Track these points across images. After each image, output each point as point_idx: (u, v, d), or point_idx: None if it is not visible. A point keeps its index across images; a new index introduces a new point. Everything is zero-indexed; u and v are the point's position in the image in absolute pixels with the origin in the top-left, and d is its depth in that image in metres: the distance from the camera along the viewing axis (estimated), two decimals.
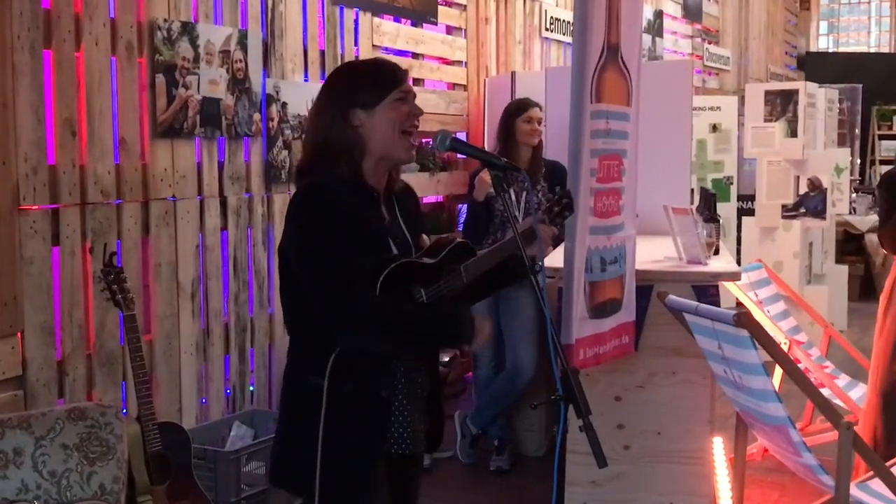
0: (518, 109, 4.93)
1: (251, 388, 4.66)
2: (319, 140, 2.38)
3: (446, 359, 5.57)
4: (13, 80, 3.43)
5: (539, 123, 4.91)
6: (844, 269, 8.81)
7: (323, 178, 2.35)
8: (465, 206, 5.17)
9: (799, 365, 4.27)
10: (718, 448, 3.79)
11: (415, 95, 2.48)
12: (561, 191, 2.62)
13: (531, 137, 4.87)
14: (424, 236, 2.56)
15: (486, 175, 4.72)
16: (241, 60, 4.46)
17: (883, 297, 4.27)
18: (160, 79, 4.05)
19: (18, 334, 3.48)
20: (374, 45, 5.62)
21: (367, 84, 2.39)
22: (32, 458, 2.67)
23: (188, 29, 4.17)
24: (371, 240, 2.36)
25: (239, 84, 4.46)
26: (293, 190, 2.51)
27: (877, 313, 4.25)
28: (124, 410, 3.85)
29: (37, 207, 3.55)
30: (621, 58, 3.24)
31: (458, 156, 6.42)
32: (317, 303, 2.30)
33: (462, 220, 5.74)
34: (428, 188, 6.08)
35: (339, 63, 5.16)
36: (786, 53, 17.12)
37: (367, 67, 2.51)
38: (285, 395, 2.50)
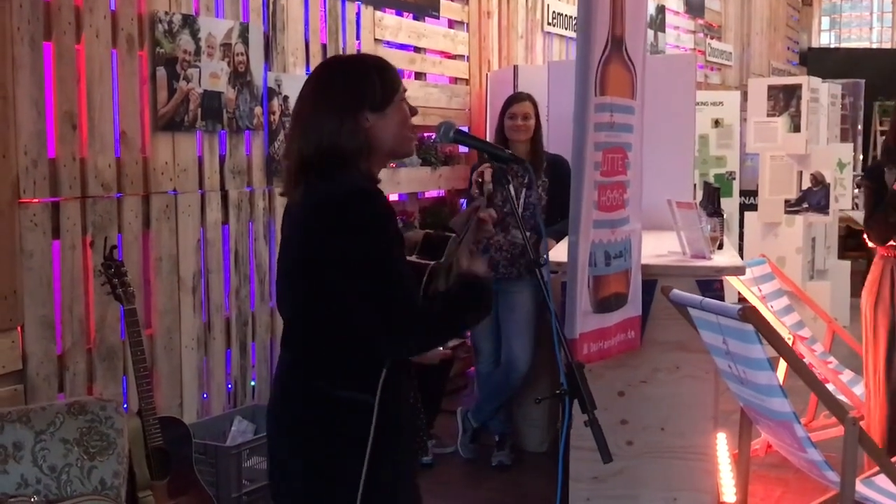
0: (504, 106, 4.90)
1: (252, 384, 4.64)
2: (326, 144, 2.23)
3: (451, 344, 5.55)
4: (13, 73, 3.41)
5: (525, 118, 4.82)
6: (847, 264, 8.78)
7: (358, 181, 2.22)
8: (466, 200, 5.15)
9: (803, 360, 4.26)
10: (722, 444, 3.78)
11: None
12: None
13: (516, 133, 4.83)
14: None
15: (484, 172, 4.70)
16: (242, 54, 4.44)
17: (868, 294, 4.24)
18: (161, 72, 4.02)
19: (18, 328, 3.46)
20: (375, 39, 5.59)
21: (376, 86, 2.28)
22: (32, 453, 2.65)
23: (189, 22, 4.14)
24: (403, 243, 2.29)
25: (240, 77, 4.43)
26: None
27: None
28: (125, 405, 3.83)
29: (37, 200, 3.53)
30: (626, 50, 3.22)
31: (461, 150, 6.39)
32: (374, 316, 2.14)
33: None
34: (429, 183, 6.06)
35: None
36: (788, 49, 17.09)
37: (370, 65, 2.35)
38: (315, 415, 2.24)
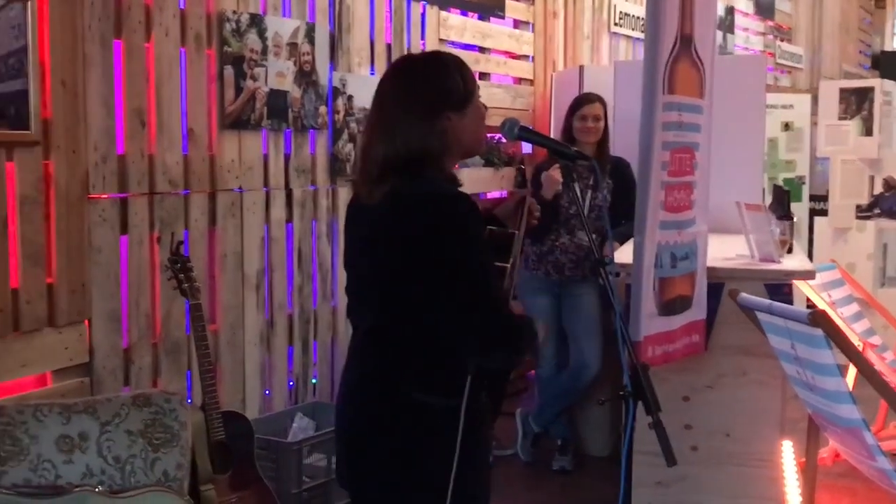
0: (573, 106, 4.85)
1: (313, 381, 4.67)
2: (415, 146, 2.19)
3: None
4: (84, 70, 3.46)
5: (596, 120, 4.77)
6: None
7: (442, 185, 2.21)
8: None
9: (873, 367, 4.15)
10: (788, 451, 3.70)
11: None
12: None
13: (585, 135, 4.77)
14: None
15: (554, 173, 4.66)
16: (308, 53, 4.46)
17: None
18: (228, 70, 4.06)
19: (86, 322, 3.51)
20: (440, 39, 5.60)
21: (458, 85, 2.26)
22: (97, 444, 2.69)
23: (256, 21, 4.18)
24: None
25: (306, 77, 4.46)
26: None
27: None
28: (188, 399, 3.87)
29: (106, 196, 3.59)
30: (695, 49, 3.17)
31: (523, 151, 6.36)
32: (464, 322, 2.13)
33: None
34: (492, 183, 6.05)
35: None
36: (860, 52, 16.74)
37: (452, 67, 2.30)
38: (398, 420, 2.23)
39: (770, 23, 11.73)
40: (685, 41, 3.11)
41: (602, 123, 4.80)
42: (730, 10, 10.24)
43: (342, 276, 4.77)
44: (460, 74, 2.27)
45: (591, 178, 4.75)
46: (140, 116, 3.72)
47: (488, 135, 5.87)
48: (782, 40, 12.17)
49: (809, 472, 3.47)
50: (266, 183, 4.32)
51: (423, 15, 5.45)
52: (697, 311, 3.40)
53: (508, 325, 2.17)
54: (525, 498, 4.55)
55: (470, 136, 2.29)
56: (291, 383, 4.53)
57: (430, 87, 2.24)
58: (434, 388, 2.20)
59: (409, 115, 2.21)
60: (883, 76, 13.38)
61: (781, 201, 4.04)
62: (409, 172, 2.18)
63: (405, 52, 5.24)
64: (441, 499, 2.16)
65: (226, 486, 3.39)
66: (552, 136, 6.19)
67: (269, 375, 4.38)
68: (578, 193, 4.74)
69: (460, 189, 2.23)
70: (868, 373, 2.90)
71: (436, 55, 2.48)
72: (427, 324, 2.17)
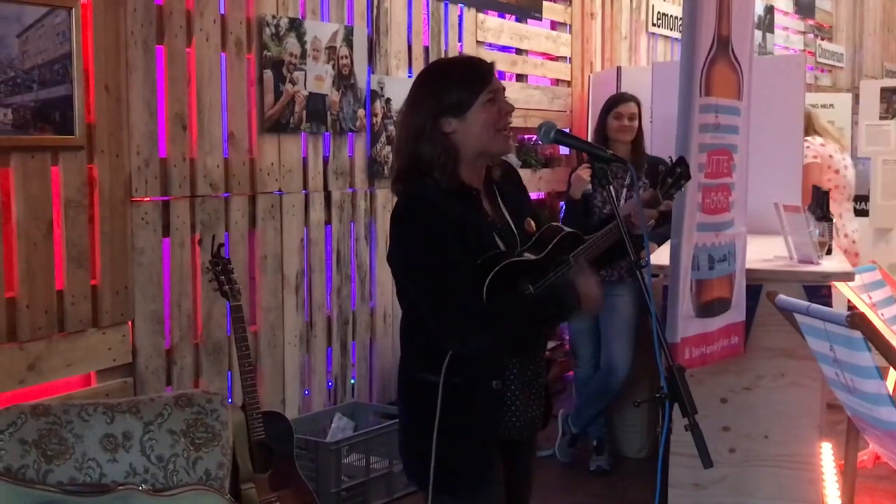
0: (609, 105, 4.84)
1: (352, 381, 4.70)
2: (411, 150, 2.37)
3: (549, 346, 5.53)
4: (127, 75, 3.52)
5: (631, 119, 4.77)
6: None
7: (420, 187, 2.36)
8: (564, 203, 5.13)
9: None
10: (828, 453, 3.68)
11: (504, 90, 2.44)
12: (675, 159, 2.58)
13: (621, 134, 4.76)
14: (531, 221, 2.53)
15: (582, 172, 4.66)
16: (346, 56, 4.50)
17: None
18: (268, 74, 4.11)
19: (129, 323, 3.57)
20: (478, 41, 5.61)
21: (454, 89, 2.35)
22: (141, 443, 2.73)
23: (295, 25, 4.22)
24: (474, 242, 2.35)
25: (344, 80, 4.50)
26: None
27: None
28: (229, 399, 3.91)
29: (148, 199, 3.64)
30: (732, 50, 3.16)
31: (561, 152, 6.36)
32: (423, 311, 2.36)
33: (562, 216, 5.69)
34: (530, 185, 6.01)
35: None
36: None
37: (452, 70, 2.45)
38: (402, 393, 2.55)
39: (810, 21, 11.62)
40: (722, 43, 3.10)
41: (637, 123, 4.79)
42: (769, 10, 10.15)
43: (380, 277, 4.81)
44: (458, 81, 2.37)
45: (625, 178, 4.74)
46: (181, 120, 3.77)
47: (526, 137, 5.88)
48: (823, 39, 12.05)
49: (849, 474, 3.44)
50: (305, 185, 4.37)
51: (460, 17, 5.47)
52: (736, 313, 3.38)
53: (481, 315, 2.31)
54: (563, 499, 4.55)
55: (475, 140, 2.37)
56: (330, 384, 4.57)
57: (427, 96, 2.39)
58: (434, 368, 2.37)
59: (410, 122, 2.39)
60: None
61: (820, 202, 4.01)
62: (408, 178, 2.39)
63: (443, 55, 5.27)
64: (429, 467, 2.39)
65: (266, 486, 3.43)
66: (590, 138, 6.18)
67: (309, 376, 4.43)
68: (613, 194, 4.76)
69: (419, 197, 2.35)
70: None
71: (447, 62, 2.74)
72: (410, 310, 2.45)
